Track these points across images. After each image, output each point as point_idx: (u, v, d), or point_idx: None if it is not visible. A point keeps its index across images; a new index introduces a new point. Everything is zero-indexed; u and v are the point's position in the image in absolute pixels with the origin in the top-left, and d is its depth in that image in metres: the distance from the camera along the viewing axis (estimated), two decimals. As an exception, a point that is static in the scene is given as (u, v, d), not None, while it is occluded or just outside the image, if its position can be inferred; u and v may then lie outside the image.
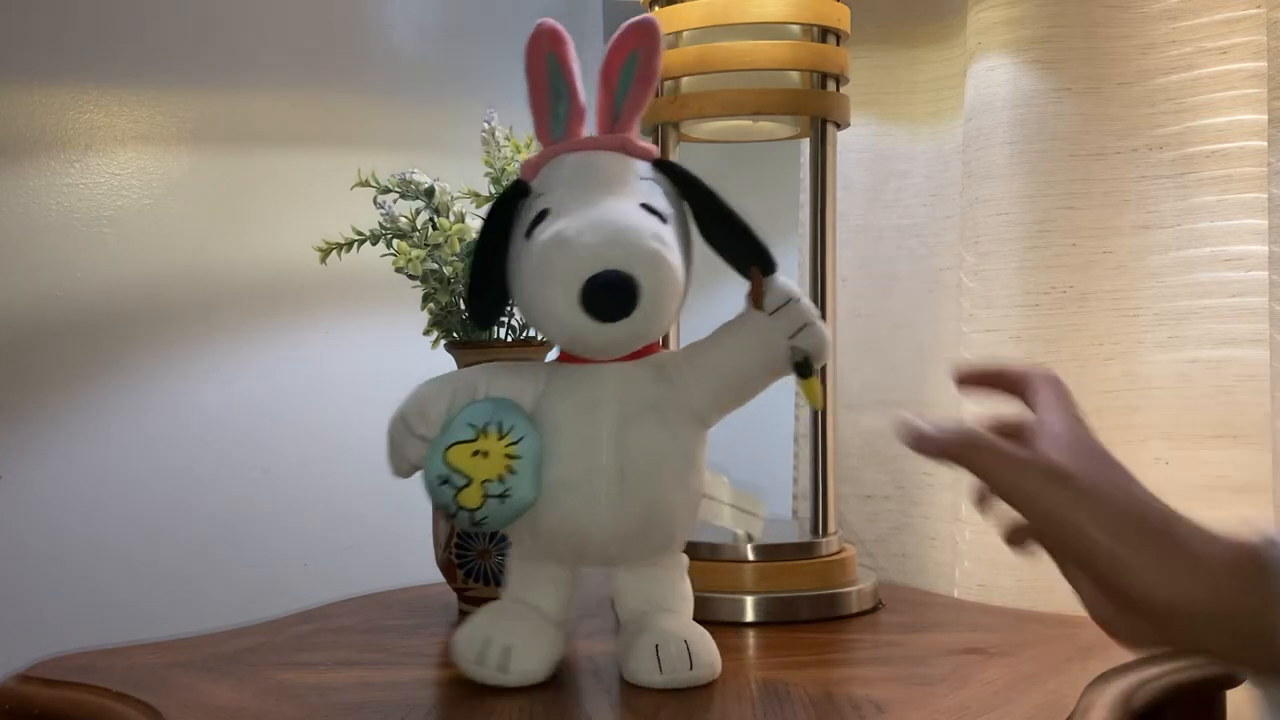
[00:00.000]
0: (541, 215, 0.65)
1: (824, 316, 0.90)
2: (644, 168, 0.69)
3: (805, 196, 1.08)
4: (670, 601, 0.73)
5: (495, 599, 0.87)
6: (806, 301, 0.70)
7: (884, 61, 1.10)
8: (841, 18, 0.90)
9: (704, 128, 0.96)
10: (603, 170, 0.68)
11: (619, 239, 0.62)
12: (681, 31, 0.89)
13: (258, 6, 1.10)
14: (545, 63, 0.68)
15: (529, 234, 0.66)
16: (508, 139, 0.88)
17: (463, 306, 0.86)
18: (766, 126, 0.97)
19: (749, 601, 0.85)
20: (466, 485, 0.66)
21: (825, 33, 0.90)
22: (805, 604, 0.86)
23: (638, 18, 0.69)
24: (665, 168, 0.69)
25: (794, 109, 0.89)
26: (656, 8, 0.91)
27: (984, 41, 0.95)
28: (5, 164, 0.95)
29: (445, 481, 0.66)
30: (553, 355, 0.73)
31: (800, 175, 1.14)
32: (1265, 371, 0.88)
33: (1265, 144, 0.84)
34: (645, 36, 0.69)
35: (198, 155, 1.05)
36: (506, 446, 0.67)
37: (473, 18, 1.26)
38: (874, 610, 0.88)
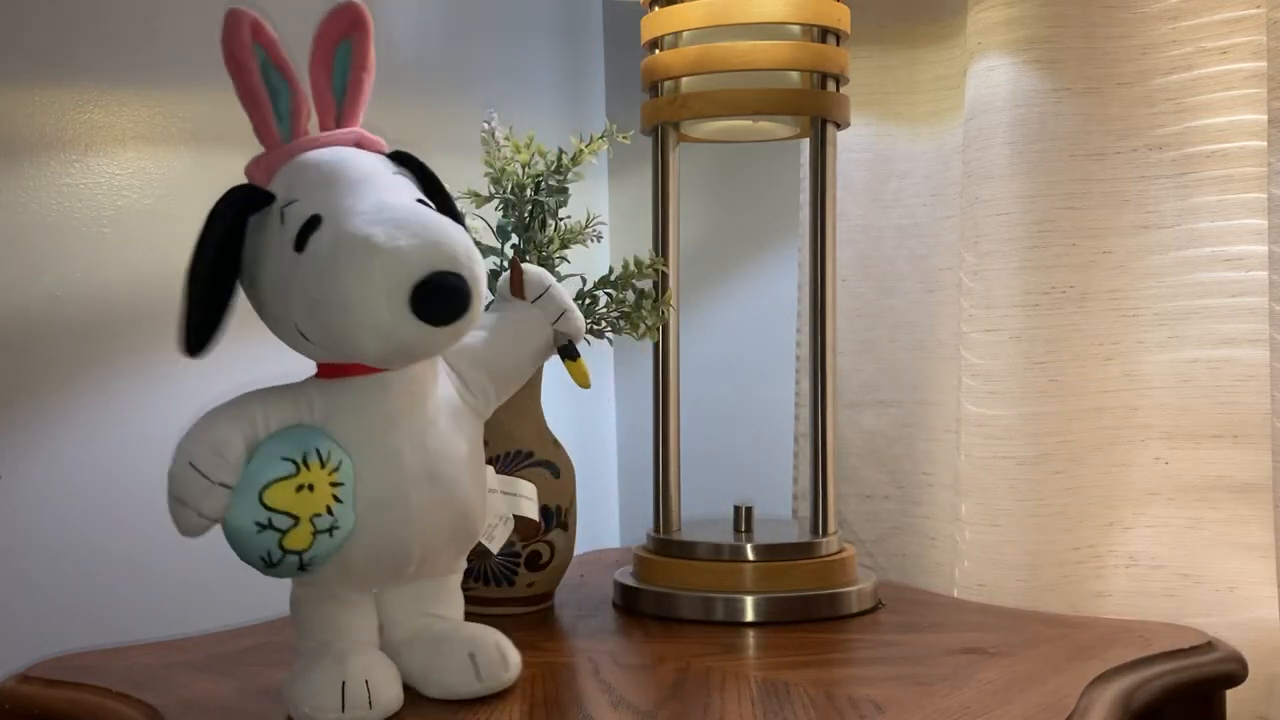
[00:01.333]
0: (313, 221, 0.60)
1: (824, 316, 0.91)
2: (387, 161, 0.65)
3: (805, 196, 1.08)
4: (446, 608, 0.70)
5: (496, 598, 0.87)
6: (559, 286, 0.72)
7: (884, 61, 1.10)
8: (841, 18, 0.90)
9: (704, 128, 0.96)
10: (355, 167, 0.62)
11: (439, 240, 0.58)
12: (681, 31, 0.89)
13: (258, 7, 1.09)
14: (253, 56, 0.63)
15: (300, 244, 0.60)
16: (508, 139, 0.88)
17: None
18: (766, 126, 0.97)
19: (749, 601, 0.85)
20: (294, 526, 0.60)
21: (825, 33, 0.90)
22: (805, 604, 0.86)
23: (341, 4, 0.65)
24: (405, 160, 0.66)
25: (794, 109, 0.89)
26: (656, 8, 0.91)
27: (984, 41, 0.95)
28: (5, 164, 0.95)
29: (266, 527, 0.60)
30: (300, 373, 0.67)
31: (800, 175, 1.14)
32: (1265, 371, 0.88)
33: (1265, 144, 0.84)
34: (354, 23, 0.65)
35: (198, 155, 1.05)
36: (330, 475, 0.61)
37: (472, 18, 1.26)
38: (874, 610, 0.88)
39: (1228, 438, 0.90)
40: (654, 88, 0.92)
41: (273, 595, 1.06)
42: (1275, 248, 0.79)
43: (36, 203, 0.97)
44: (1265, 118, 0.83)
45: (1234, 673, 0.79)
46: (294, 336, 0.62)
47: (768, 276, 1.25)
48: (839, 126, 0.93)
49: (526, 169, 0.87)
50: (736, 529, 0.92)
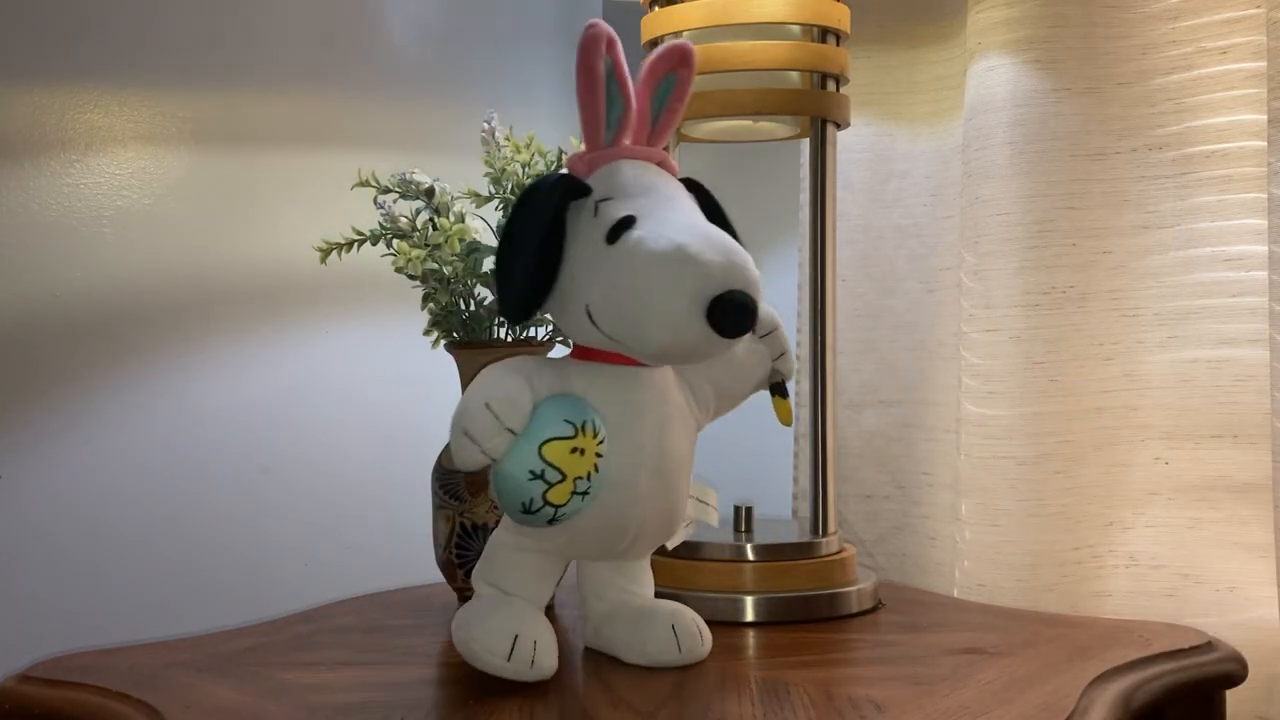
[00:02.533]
0: (627, 220, 0.66)
1: (824, 316, 0.91)
2: (681, 185, 0.72)
3: (805, 196, 1.08)
4: (642, 585, 0.78)
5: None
6: (784, 328, 0.78)
7: (884, 61, 1.10)
8: (841, 18, 0.90)
9: (704, 128, 0.96)
10: (664, 183, 0.70)
11: (740, 263, 0.65)
12: (681, 31, 0.89)
13: (258, 7, 1.10)
14: (601, 66, 0.68)
15: (613, 238, 0.66)
16: (508, 139, 0.88)
17: (472, 304, 0.85)
18: (766, 126, 0.97)
19: (749, 601, 0.85)
20: (560, 481, 0.66)
21: (825, 33, 0.90)
22: (805, 604, 0.86)
23: (679, 42, 0.72)
24: (694, 187, 0.72)
25: (794, 109, 0.89)
26: (656, 8, 0.91)
27: (984, 41, 0.95)
28: (5, 164, 0.95)
29: (538, 477, 0.66)
30: (552, 352, 0.73)
31: (800, 175, 1.14)
32: (1265, 371, 0.88)
33: (1265, 144, 0.84)
34: (685, 62, 0.72)
35: (198, 155, 1.05)
36: (597, 444, 0.68)
37: (473, 18, 1.26)
38: (874, 610, 0.88)
39: (1227, 438, 0.90)
40: (654, 88, 0.92)
41: (273, 595, 1.07)
42: (1275, 248, 0.79)
43: (36, 203, 0.97)
44: (1265, 118, 0.83)
45: (1234, 673, 0.79)
46: (578, 316, 0.68)
47: (768, 276, 1.24)
48: (839, 126, 0.93)
49: (526, 169, 0.87)
50: (736, 529, 0.92)
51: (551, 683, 0.71)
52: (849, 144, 1.10)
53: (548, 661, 0.70)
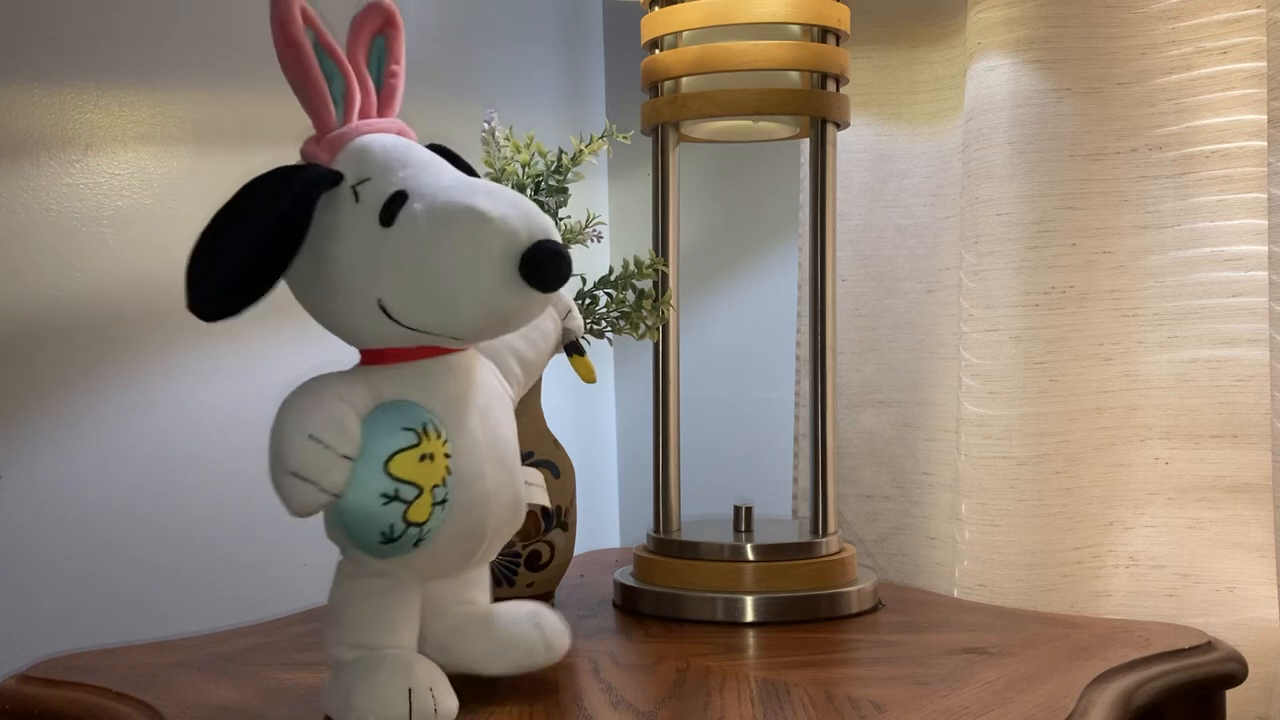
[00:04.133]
0: (398, 197, 0.60)
1: (824, 316, 0.91)
2: (430, 150, 0.66)
3: (805, 196, 1.08)
4: (483, 591, 0.71)
5: (496, 598, 0.87)
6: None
7: (884, 61, 1.10)
8: (841, 18, 0.90)
9: (704, 128, 0.96)
10: (418, 151, 0.64)
11: (533, 211, 0.59)
12: (681, 32, 0.90)
13: (259, 6, 1.09)
14: (304, 38, 0.63)
15: (387, 219, 0.60)
16: (508, 139, 0.88)
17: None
18: (766, 126, 0.97)
19: (749, 601, 0.85)
20: (418, 496, 0.60)
21: (825, 33, 0.90)
22: (805, 604, 0.86)
23: (373, 1, 0.67)
24: (446, 152, 0.68)
25: (794, 109, 0.89)
26: (656, 8, 0.91)
27: (984, 41, 0.95)
28: (5, 164, 0.95)
29: (392, 498, 0.59)
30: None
31: (800, 175, 1.14)
32: (1265, 371, 0.88)
33: (1265, 144, 0.84)
34: (390, 21, 0.68)
35: (198, 155, 1.05)
36: (443, 445, 0.61)
37: (472, 18, 1.26)
38: (874, 610, 0.88)
39: (1227, 438, 0.90)
40: (654, 88, 0.92)
41: (273, 595, 1.07)
42: (1275, 248, 0.79)
43: (36, 203, 0.97)
44: (1265, 118, 0.83)
45: (1234, 673, 0.79)
46: (367, 314, 0.61)
47: (768, 276, 1.25)
48: (839, 126, 0.93)
49: (526, 169, 0.87)
50: (736, 529, 0.92)
51: (551, 683, 0.71)
52: (849, 144, 1.10)
53: (449, 703, 0.62)
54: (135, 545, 1.01)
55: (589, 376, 0.73)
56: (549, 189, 0.87)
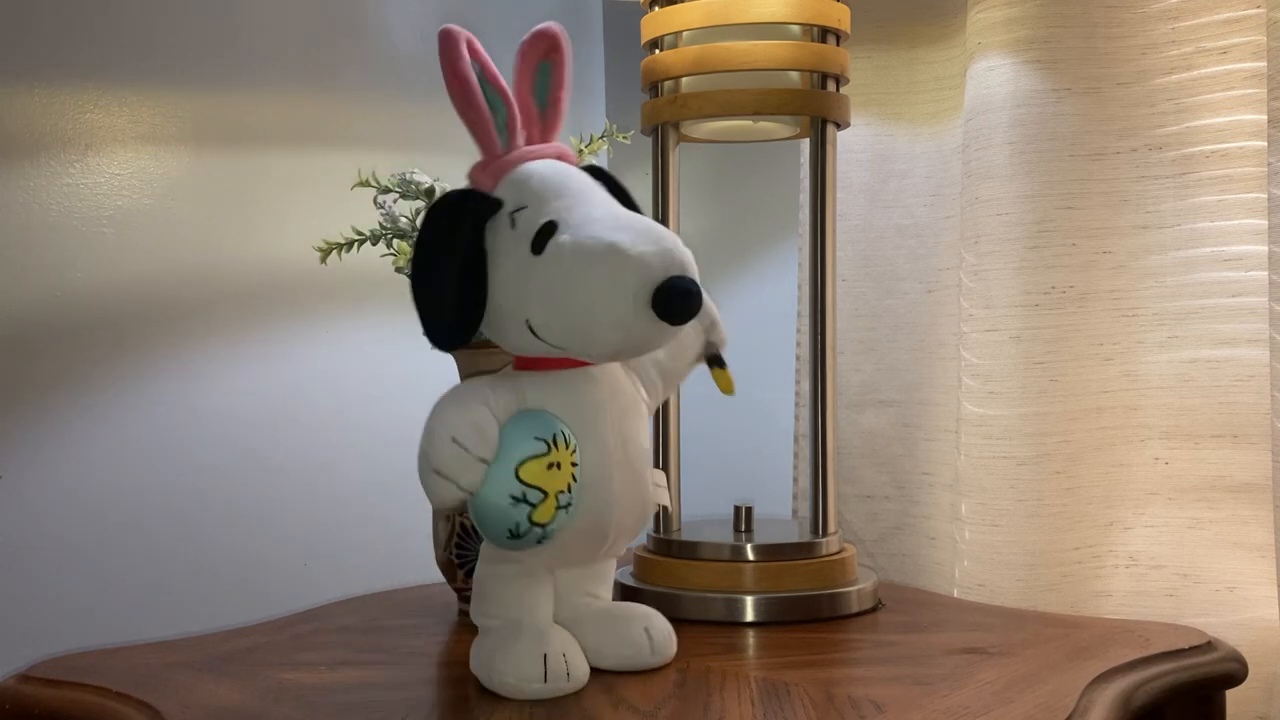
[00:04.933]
0: (549, 227, 0.65)
1: (824, 316, 0.91)
2: (588, 175, 0.71)
3: (805, 196, 1.08)
4: (605, 588, 0.77)
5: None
6: (709, 299, 0.76)
7: (884, 61, 1.10)
8: (841, 18, 0.90)
9: (704, 128, 0.96)
10: (575, 179, 0.69)
11: (672, 249, 0.64)
12: (681, 32, 0.89)
13: (258, 7, 1.10)
14: (470, 70, 0.68)
15: (538, 247, 0.65)
16: (508, 139, 0.88)
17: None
18: (766, 126, 0.97)
19: (749, 601, 0.85)
20: (543, 500, 0.66)
21: (825, 33, 0.90)
22: (805, 604, 0.86)
23: (540, 26, 0.71)
24: (599, 174, 0.71)
25: (794, 109, 0.89)
26: (656, 8, 0.91)
27: (984, 41, 0.95)
28: (5, 164, 0.95)
29: (520, 501, 0.65)
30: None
31: (800, 175, 1.14)
32: (1265, 371, 0.88)
33: (1265, 144, 0.84)
34: (556, 47, 0.71)
35: (198, 155, 1.05)
36: (570, 455, 0.67)
37: (473, 18, 1.26)
38: (874, 610, 0.88)
39: (1227, 438, 0.90)
40: (654, 88, 0.92)
41: (273, 595, 1.07)
42: (1275, 248, 0.79)
43: (36, 203, 0.97)
44: (1265, 118, 0.83)
45: (1234, 673, 0.79)
46: (518, 332, 0.67)
47: (768, 276, 1.25)
48: (839, 126, 0.93)
49: (526, 169, 0.87)
50: (736, 529, 0.92)
51: (551, 683, 0.71)
52: (849, 144, 1.10)
53: (582, 669, 0.69)
54: (135, 545, 1.01)
55: (728, 389, 0.78)
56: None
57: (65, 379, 0.98)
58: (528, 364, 0.70)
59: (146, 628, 0.99)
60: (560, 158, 0.71)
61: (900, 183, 1.10)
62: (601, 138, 0.87)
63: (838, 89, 0.91)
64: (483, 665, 0.69)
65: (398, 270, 0.86)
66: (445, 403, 0.67)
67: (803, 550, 0.88)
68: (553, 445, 0.66)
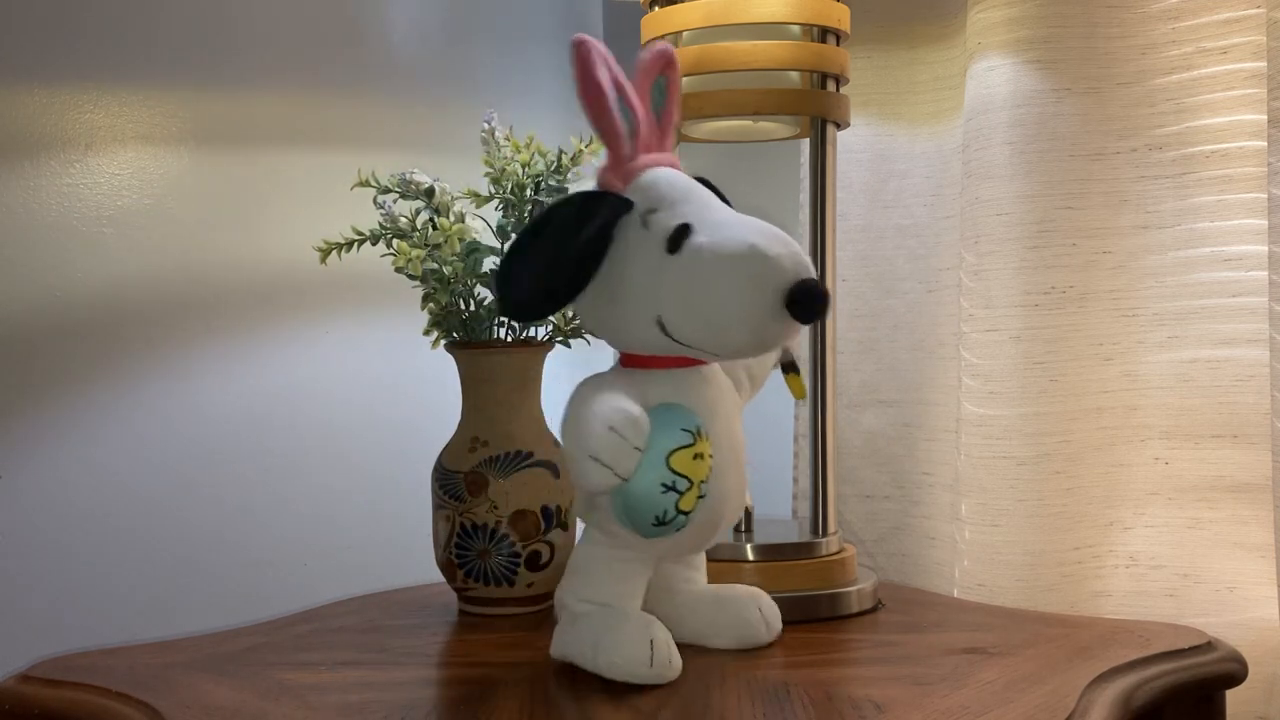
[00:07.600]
0: (684, 229, 0.68)
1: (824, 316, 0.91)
2: (699, 183, 0.74)
3: (805, 196, 1.08)
4: (702, 572, 0.81)
5: (496, 598, 0.88)
6: None
7: (884, 61, 1.10)
8: (841, 18, 0.90)
9: (704, 128, 0.96)
10: (695, 186, 0.72)
11: (799, 252, 0.67)
12: (681, 31, 0.89)
13: (258, 7, 1.10)
14: (606, 79, 0.70)
15: (674, 247, 0.68)
16: (507, 139, 0.88)
17: (472, 303, 0.85)
18: (766, 126, 0.97)
19: (749, 601, 0.85)
20: (689, 489, 0.68)
21: (825, 33, 0.90)
22: (805, 604, 0.86)
23: (660, 47, 0.75)
24: (708, 184, 0.75)
25: (794, 109, 0.89)
26: (656, 8, 0.91)
27: (984, 41, 0.95)
28: (5, 164, 0.95)
29: (670, 489, 0.68)
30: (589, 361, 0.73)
31: (800, 175, 1.14)
32: (1265, 371, 0.88)
33: (1265, 144, 0.84)
34: (670, 63, 0.75)
35: (198, 155, 1.05)
36: (709, 447, 0.70)
37: (472, 19, 1.26)
38: (874, 610, 0.88)
39: (1227, 438, 0.90)
40: (654, 88, 0.92)
41: (273, 595, 1.07)
42: (1275, 248, 0.79)
43: (36, 203, 0.97)
44: (1265, 118, 0.83)
45: (1234, 673, 0.79)
46: (644, 328, 0.70)
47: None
48: (839, 126, 0.93)
49: (526, 169, 0.87)
50: (736, 529, 0.92)
51: (551, 683, 0.71)
52: (849, 144, 1.10)
53: (679, 658, 0.71)
54: (135, 545, 1.01)
55: (800, 393, 0.81)
56: (549, 189, 0.87)
57: (65, 379, 0.98)
58: (639, 362, 0.72)
59: (146, 628, 0.99)
60: (671, 165, 0.74)
61: (900, 183, 1.10)
62: (602, 138, 0.87)
63: (838, 89, 0.91)
64: (587, 647, 0.71)
65: (398, 270, 0.86)
66: (590, 394, 0.69)
67: (802, 550, 0.88)
68: (698, 436, 0.69)
